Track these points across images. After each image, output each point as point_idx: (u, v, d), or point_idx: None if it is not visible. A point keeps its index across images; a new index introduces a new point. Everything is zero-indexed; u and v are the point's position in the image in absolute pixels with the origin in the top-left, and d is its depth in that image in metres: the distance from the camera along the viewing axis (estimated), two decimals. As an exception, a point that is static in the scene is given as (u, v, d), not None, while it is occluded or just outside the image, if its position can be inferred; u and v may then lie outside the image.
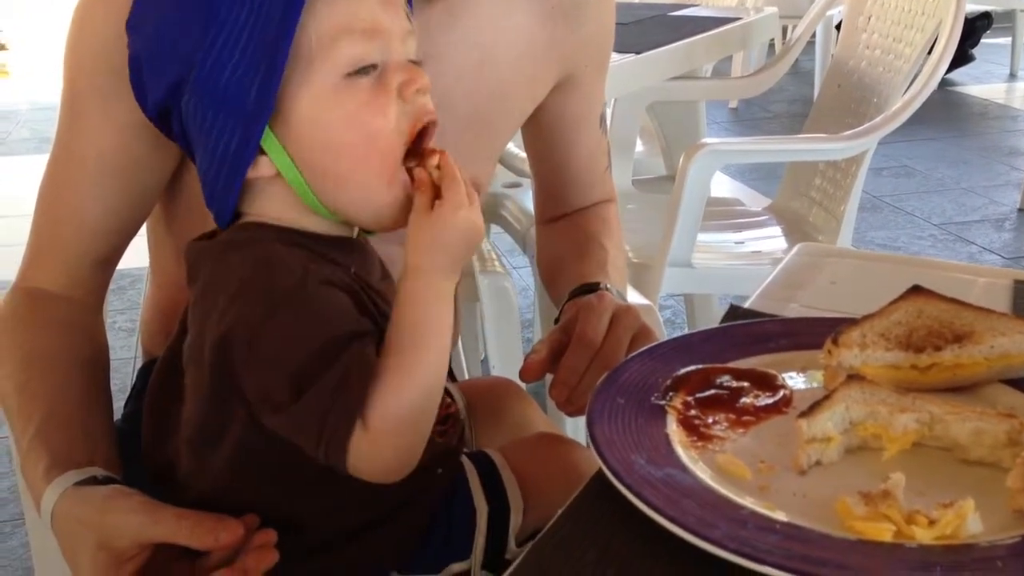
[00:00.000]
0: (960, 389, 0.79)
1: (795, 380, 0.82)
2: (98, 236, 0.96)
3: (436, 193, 0.75)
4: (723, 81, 4.03)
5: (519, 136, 1.23)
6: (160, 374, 0.85)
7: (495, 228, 2.32)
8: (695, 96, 2.76)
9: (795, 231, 2.24)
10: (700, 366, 0.82)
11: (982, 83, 5.96)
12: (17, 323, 0.96)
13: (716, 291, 2.42)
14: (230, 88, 0.73)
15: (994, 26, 6.13)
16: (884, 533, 0.62)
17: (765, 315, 0.97)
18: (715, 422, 0.76)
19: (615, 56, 1.47)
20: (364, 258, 0.82)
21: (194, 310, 0.78)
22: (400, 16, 0.77)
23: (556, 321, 1.01)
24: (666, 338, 0.92)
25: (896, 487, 0.65)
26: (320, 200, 0.77)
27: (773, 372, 0.82)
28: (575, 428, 1.40)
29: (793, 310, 1.00)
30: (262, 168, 0.76)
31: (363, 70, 0.75)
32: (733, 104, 5.57)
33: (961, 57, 5.73)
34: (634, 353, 0.86)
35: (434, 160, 0.76)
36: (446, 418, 0.88)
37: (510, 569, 0.64)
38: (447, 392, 0.93)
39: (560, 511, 0.69)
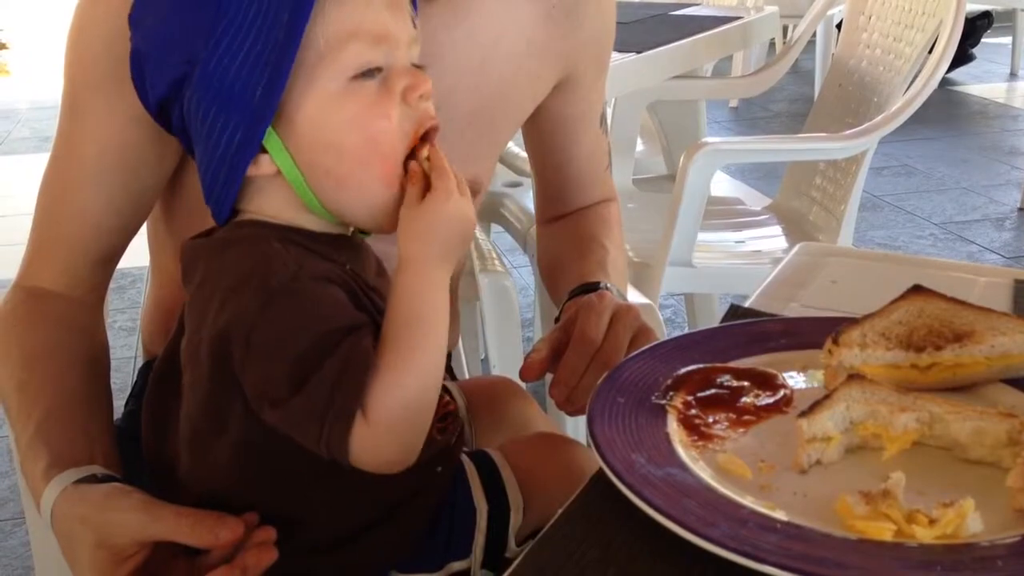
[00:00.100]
0: (960, 388, 0.79)
1: (795, 379, 0.82)
2: (99, 234, 0.96)
3: (427, 185, 0.75)
4: (724, 80, 4.03)
5: (519, 135, 1.23)
6: (159, 373, 0.85)
7: (495, 227, 2.32)
8: (696, 95, 2.76)
9: (795, 230, 2.24)
10: (701, 365, 0.82)
11: (983, 82, 5.96)
12: (17, 321, 0.96)
13: (716, 290, 2.42)
14: (235, 86, 0.74)
15: (995, 25, 6.13)
16: (884, 532, 0.62)
17: (765, 314, 0.97)
18: (715, 421, 0.75)
19: (616, 55, 1.47)
20: (359, 255, 0.82)
21: (191, 308, 0.78)
22: (406, 21, 0.78)
23: (556, 320, 1.01)
24: (666, 337, 0.92)
25: (896, 486, 0.65)
26: (319, 200, 0.77)
27: (773, 371, 0.82)
28: (575, 427, 1.40)
29: (793, 309, 1.00)
30: (262, 166, 0.76)
31: (368, 73, 0.75)
32: (734, 103, 5.57)
33: (962, 56, 5.73)
34: (634, 352, 0.86)
35: (424, 152, 0.76)
36: (445, 416, 0.88)
37: (510, 568, 0.64)
38: (446, 391, 0.94)
39: (560, 510, 0.69)
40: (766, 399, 0.79)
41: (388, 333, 0.73)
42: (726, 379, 0.80)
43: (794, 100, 5.63)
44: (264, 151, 0.76)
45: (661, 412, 0.76)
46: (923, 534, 0.62)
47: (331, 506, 0.81)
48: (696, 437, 0.73)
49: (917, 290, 0.85)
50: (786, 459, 0.71)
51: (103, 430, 0.90)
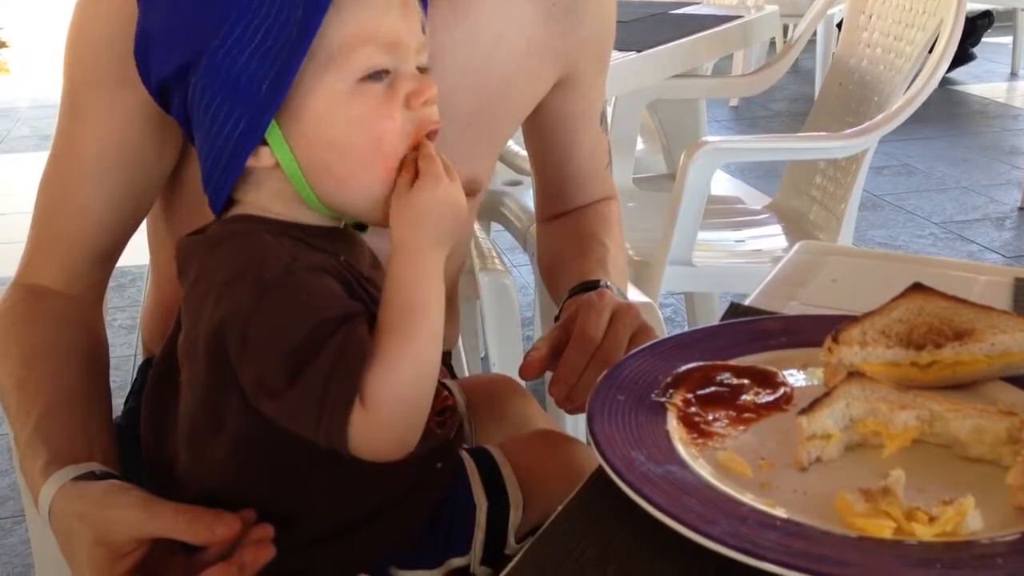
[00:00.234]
0: (960, 386, 0.79)
1: (795, 377, 0.82)
2: (98, 232, 0.96)
3: (417, 173, 0.76)
4: (724, 79, 4.03)
5: (520, 134, 1.23)
6: (158, 370, 0.85)
7: (495, 226, 2.32)
8: (696, 94, 2.76)
9: (795, 229, 2.24)
10: (701, 363, 0.82)
11: (983, 82, 5.96)
12: (16, 319, 0.96)
13: (716, 289, 2.42)
14: (242, 77, 0.74)
15: (995, 25, 6.12)
16: (884, 530, 0.62)
17: (765, 313, 0.97)
18: (715, 419, 0.75)
19: (616, 54, 1.47)
20: (353, 247, 0.83)
21: (187, 305, 0.79)
22: (417, 28, 0.79)
23: (556, 319, 1.01)
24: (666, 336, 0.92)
25: (896, 484, 0.65)
26: (316, 194, 0.77)
27: (774, 369, 0.82)
28: (575, 425, 1.40)
29: (794, 308, 1.00)
30: (262, 158, 0.76)
31: (376, 75, 0.76)
32: (734, 102, 5.57)
33: (962, 56, 5.73)
34: (634, 350, 0.86)
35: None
36: (443, 410, 0.88)
37: (510, 565, 0.64)
38: (444, 386, 0.94)
39: (560, 508, 0.69)
40: (766, 397, 0.79)
41: (383, 320, 0.74)
42: (726, 377, 0.80)
43: (794, 99, 5.63)
44: (265, 143, 0.76)
45: (661, 410, 0.76)
46: (923, 532, 0.62)
47: (330, 498, 0.81)
48: (696, 435, 0.73)
49: (917, 288, 0.85)
50: (786, 456, 0.71)
51: (102, 427, 0.90)
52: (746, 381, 0.80)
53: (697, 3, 2.77)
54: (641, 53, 2.08)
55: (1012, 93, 5.89)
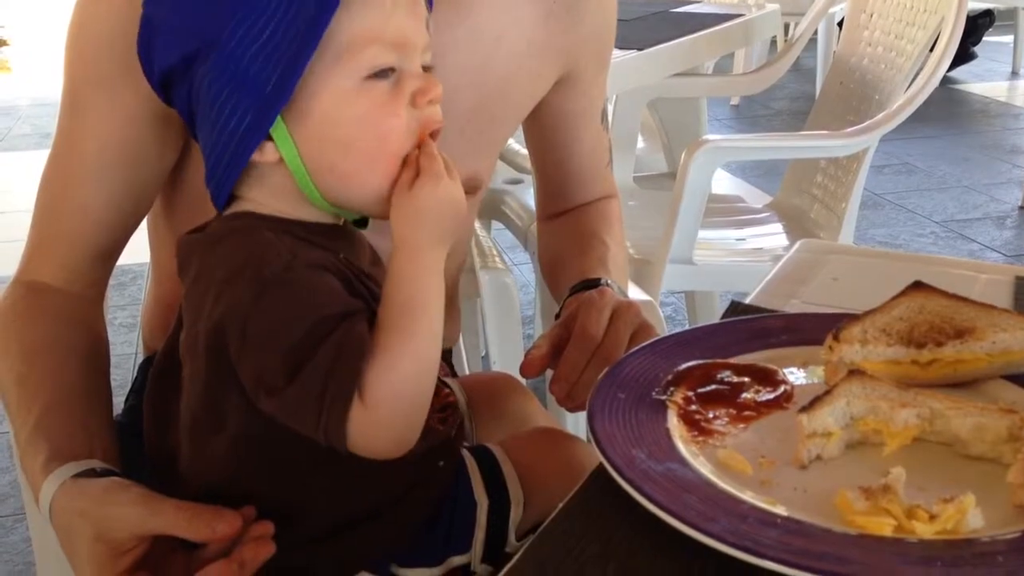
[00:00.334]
0: (961, 385, 0.79)
1: (796, 375, 0.82)
2: (99, 230, 0.96)
3: (418, 171, 0.76)
4: (725, 78, 4.03)
5: (520, 132, 1.23)
6: (160, 368, 0.85)
7: (496, 224, 2.33)
8: (697, 93, 2.76)
9: (796, 228, 2.24)
10: (701, 361, 0.82)
11: (984, 81, 5.96)
12: (17, 316, 0.96)
13: (717, 288, 2.42)
14: (249, 72, 0.74)
15: (996, 24, 6.12)
16: (884, 528, 0.62)
17: (766, 311, 0.97)
18: (716, 417, 0.75)
19: (617, 52, 1.47)
20: (353, 244, 0.83)
21: (187, 302, 0.79)
22: (423, 27, 0.79)
23: (557, 317, 1.01)
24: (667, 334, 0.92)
25: (897, 482, 0.65)
26: (319, 190, 0.77)
27: (774, 367, 0.82)
28: (576, 423, 1.40)
29: (794, 306, 1.00)
30: (266, 153, 0.76)
31: (382, 73, 0.76)
32: (735, 101, 5.57)
33: (963, 55, 5.72)
34: (635, 348, 0.86)
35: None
36: (445, 407, 0.88)
37: (510, 563, 0.64)
38: (445, 383, 0.94)
39: (561, 505, 0.69)
40: (766, 395, 0.79)
41: (383, 317, 0.74)
42: (727, 375, 0.80)
43: (795, 98, 5.63)
44: (270, 139, 0.76)
45: (661, 408, 0.76)
46: (923, 530, 0.62)
47: (330, 495, 0.81)
48: (696, 433, 0.74)
49: (918, 286, 0.85)
50: (786, 454, 0.71)
51: (102, 425, 0.90)
52: (747, 379, 0.80)
53: (698, 1, 2.76)
54: (642, 51, 2.08)
55: (1013, 92, 5.89)
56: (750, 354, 0.84)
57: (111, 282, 1.02)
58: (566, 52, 1.10)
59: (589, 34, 1.12)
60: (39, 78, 6.12)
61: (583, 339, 0.92)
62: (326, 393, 0.71)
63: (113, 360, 0.99)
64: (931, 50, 2.02)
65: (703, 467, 0.69)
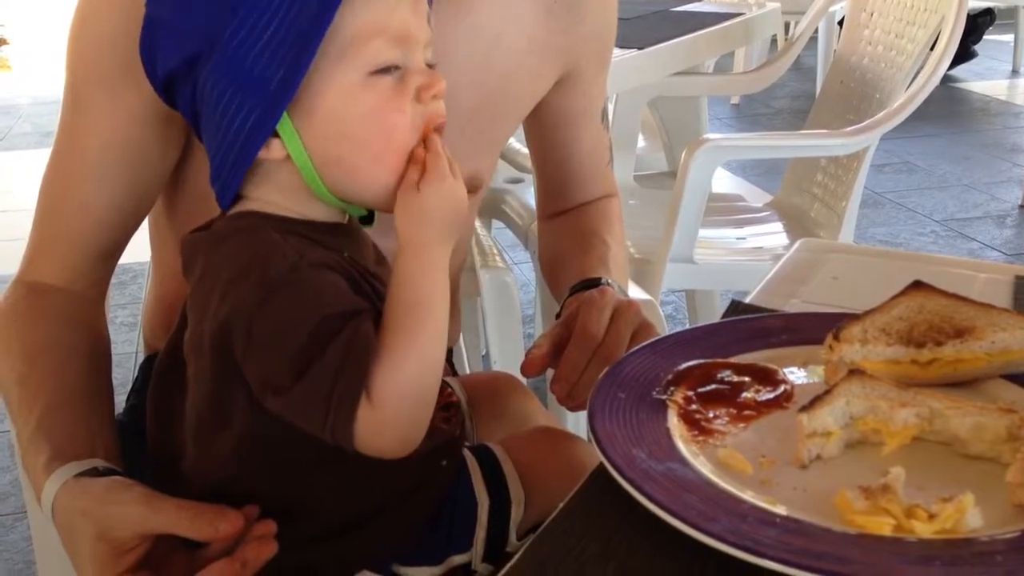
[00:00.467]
0: (960, 384, 0.79)
1: (796, 375, 0.82)
2: (100, 229, 0.96)
3: (424, 168, 0.76)
4: (725, 77, 4.03)
5: (521, 131, 1.23)
6: (162, 366, 0.85)
7: (497, 223, 2.33)
8: (697, 92, 2.76)
9: (796, 227, 2.24)
10: (701, 361, 0.82)
11: (984, 79, 5.96)
12: (18, 316, 0.96)
13: (718, 287, 2.43)
14: (254, 70, 0.74)
15: (997, 22, 6.12)
16: (884, 527, 0.62)
17: (766, 310, 0.97)
18: (716, 417, 0.76)
19: (617, 51, 1.47)
20: (357, 243, 0.83)
21: (192, 301, 0.79)
22: (425, 23, 0.79)
23: (557, 316, 1.01)
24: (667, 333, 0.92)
25: (896, 481, 0.65)
26: (326, 185, 0.78)
27: (774, 367, 0.82)
28: (576, 423, 1.40)
29: (794, 305, 1.00)
30: (273, 151, 0.76)
31: (386, 69, 0.76)
32: (735, 100, 5.57)
33: (963, 53, 5.72)
34: (635, 348, 0.86)
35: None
36: (448, 406, 0.89)
37: (511, 563, 0.64)
38: (447, 383, 0.94)
39: (561, 505, 0.69)
40: (767, 394, 0.79)
41: (389, 316, 0.74)
42: (727, 374, 0.80)
43: (796, 97, 5.63)
44: (276, 136, 0.76)
45: (662, 407, 0.76)
46: (922, 529, 0.62)
47: (334, 495, 0.81)
48: (697, 432, 0.74)
49: (918, 286, 0.85)
50: (786, 454, 0.71)
51: (104, 424, 0.91)
52: (747, 379, 0.80)
53: (699, 0, 2.76)
54: (642, 50, 2.08)
55: (1013, 91, 5.89)
56: (750, 354, 0.84)
57: (112, 281, 1.02)
58: (566, 51, 1.10)
59: (590, 33, 1.12)
60: (40, 77, 6.12)
61: (584, 338, 0.92)
62: (334, 393, 0.71)
63: (114, 359, 0.99)
64: (931, 49, 2.02)
65: (703, 467, 0.69)
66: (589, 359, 0.91)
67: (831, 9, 3.62)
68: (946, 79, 4.62)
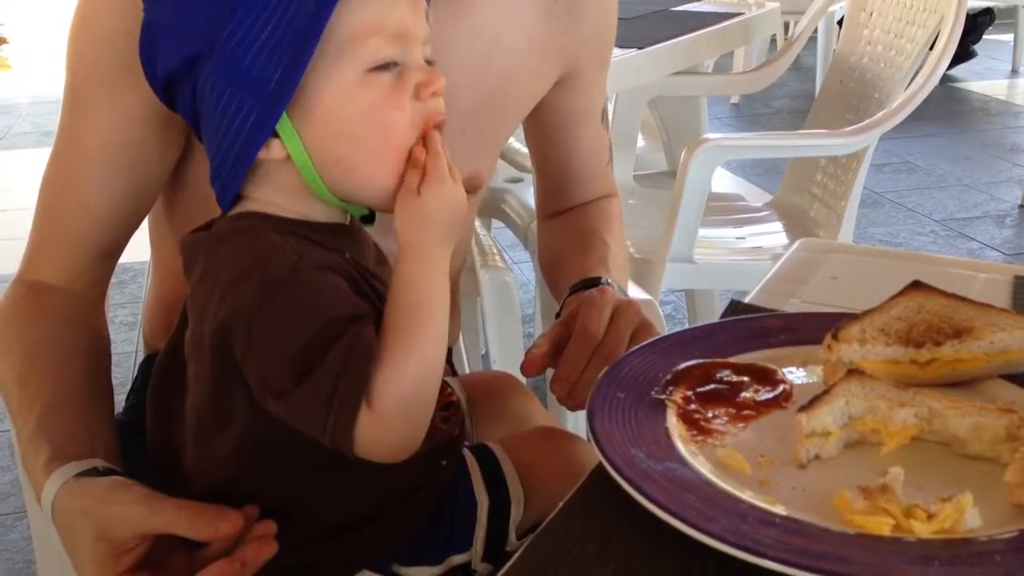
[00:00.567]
0: (959, 384, 0.79)
1: (795, 375, 0.82)
2: (100, 229, 0.96)
3: (425, 171, 0.76)
4: (725, 76, 4.03)
5: (521, 131, 1.23)
6: (162, 366, 0.85)
7: (496, 223, 2.33)
8: (697, 91, 2.76)
9: (796, 227, 2.24)
10: (701, 361, 0.82)
11: (984, 79, 5.96)
12: (18, 316, 0.96)
13: (717, 286, 2.43)
14: (252, 70, 0.74)
15: (996, 22, 6.12)
16: (883, 527, 0.63)
17: (766, 310, 0.97)
18: (715, 416, 0.76)
19: (617, 51, 1.47)
20: (358, 243, 0.83)
21: (192, 301, 0.79)
22: (423, 20, 0.79)
23: (557, 316, 1.01)
24: (667, 333, 0.92)
25: (895, 481, 0.65)
26: (326, 185, 0.78)
27: (773, 367, 0.82)
28: (576, 422, 1.40)
29: (794, 305, 1.01)
30: (273, 151, 0.76)
31: (384, 66, 0.76)
32: (735, 100, 5.57)
33: (963, 53, 5.72)
34: (635, 347, 0.86)
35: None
36: (447, 406, 0.89)
37: (510, 562, 0.65)
38: (447, 383, 0.94)
39: (560, 504, 0.69)
40: (766, 394, 0.79)
41: (390, 319, 0.74)
42: (726, 374, 0.80)
43: (795, 96, 5.63)
44: (275, 135, 0.76)
45: (661, 407, 0.76)
46: (921, 529, 0.62)
47: (334, 495, 0.81)
48: (696, 432, 0.74)
49: (917, 286, 0.85)
50: (785, 454, 0.71)
51: (104, 424, 0.91)
52: (746, 378, 0.80)
53: (698, 0, 2.76)
54: (642, 50, 2.08)
55: (1013, 90, 5.89)
56: (749, 353, 0.84)
57: (112, 280, 1.02)
58: (566, 51, 1.10)
59: (589, 33, 1.12)
60: (39, 76, 6.11)
61: (584, 338, 0.92)
62: (334, 398, 0.71)
63: (114, 359, 0.99)
64: (931, 48, 2.02)
65: (702, 466, 0.69)
66: (589, 359, 0.91)
67: (830, 9, 3.62)
68: (945, 79, 4.63)
